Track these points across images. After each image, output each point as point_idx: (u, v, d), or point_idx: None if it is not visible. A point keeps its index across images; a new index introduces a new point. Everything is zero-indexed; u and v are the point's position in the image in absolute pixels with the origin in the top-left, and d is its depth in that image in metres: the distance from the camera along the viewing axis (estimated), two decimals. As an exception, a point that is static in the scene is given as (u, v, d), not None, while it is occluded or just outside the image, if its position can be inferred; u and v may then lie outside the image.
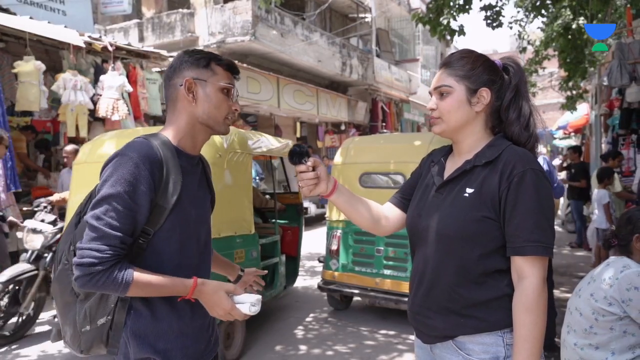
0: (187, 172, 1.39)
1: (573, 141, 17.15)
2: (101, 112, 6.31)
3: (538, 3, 8.53)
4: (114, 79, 6.47)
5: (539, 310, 1.24)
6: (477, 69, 1.38)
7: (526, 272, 1.26)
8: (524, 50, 11.48)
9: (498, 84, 1.40)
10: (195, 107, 1.39)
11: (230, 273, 1.79)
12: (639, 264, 2.14)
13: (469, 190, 1.33)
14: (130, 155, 1.27)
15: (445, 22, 6.44)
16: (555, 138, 18.27)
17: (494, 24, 7.08)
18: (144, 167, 1.26)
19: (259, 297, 1.40)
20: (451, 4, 6.35)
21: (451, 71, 1.39)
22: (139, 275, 1.24)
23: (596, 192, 6.11)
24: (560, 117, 16.80)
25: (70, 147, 5.35)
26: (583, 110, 13.45)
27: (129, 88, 6.67)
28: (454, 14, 6.45)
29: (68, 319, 1.38)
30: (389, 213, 1.59)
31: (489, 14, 7.09)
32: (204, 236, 1.49)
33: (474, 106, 1.38)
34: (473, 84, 1.37)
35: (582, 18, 7.93)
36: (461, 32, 6.51)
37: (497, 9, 7.06)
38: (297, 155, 1.40)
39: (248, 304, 1.37)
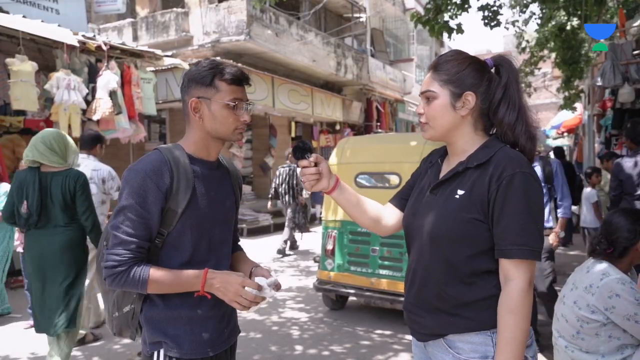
0: (203, 176, 1.52)
1: (566, 141, 17.25)
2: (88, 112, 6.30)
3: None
4: (102, 79, 6.43)
5: (523, 312, 1.24)
6: (462, 72, 1.36)
7: (512, 275, 1.26)
8: (523, 50, 11.53)
9: (484, 86, 1.37)
10: (203, 124, 1.50)
11: (245, 269, 1.76)
12: (619, 269, 2.11)
13: (460, 192, 1.34)
14: (138, 170, 1.43)
15: (442, 20, 6.45)
16: (548, 138, 18.37)
17: (492, 24, 7.10)
18: (150, 181, 1.41)
19: (272, 279, 1.47)
20: (449, 1, 6.35)
21: (436, 75, 1.38)
22: (154, 273, 1.41)
23: (586, 191, 6.17)
24: (553, 117, 16.91)
25: None
26: (576, 110, 13.54)
27: (113, 85, 6.48)
28: (454, 12, 6.45)
29: (106, 304, 1.60)
30: (390, 213, 1.60)
31: (486, 13, 7.11)
32: (219, 235, 1.57)
33: (459, 111, 1.37)
34: (457, 88, 1.36)
35: (575, 19, 7.99)
36: (459, 30, 6.49)
37: (495, 8, 7.08)
38: (300, 150, 1.49)
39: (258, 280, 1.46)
